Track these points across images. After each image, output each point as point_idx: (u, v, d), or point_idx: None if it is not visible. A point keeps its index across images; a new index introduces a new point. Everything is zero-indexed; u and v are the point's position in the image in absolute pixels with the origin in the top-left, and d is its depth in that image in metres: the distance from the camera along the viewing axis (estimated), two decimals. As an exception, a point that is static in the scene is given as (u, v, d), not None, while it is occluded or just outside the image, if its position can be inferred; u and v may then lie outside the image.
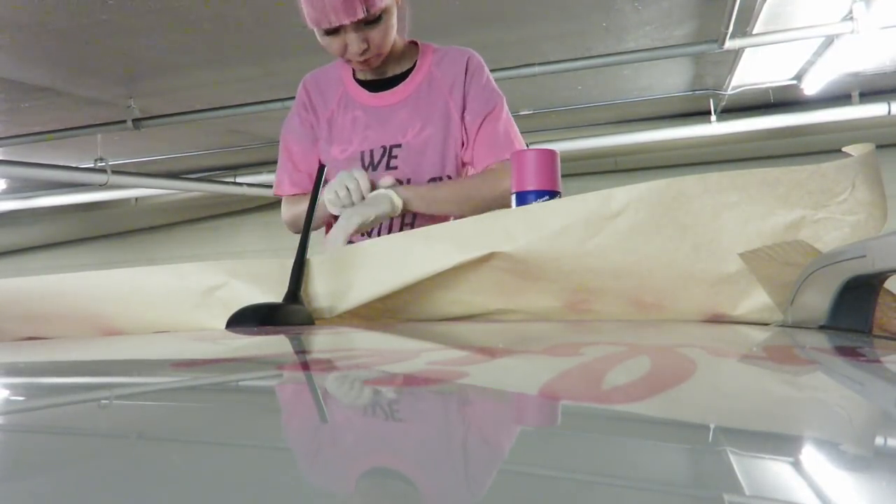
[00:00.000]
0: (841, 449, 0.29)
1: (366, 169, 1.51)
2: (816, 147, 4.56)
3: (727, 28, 3.07)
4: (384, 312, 0.94)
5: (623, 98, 4.66)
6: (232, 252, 6.56)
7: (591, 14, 3.25)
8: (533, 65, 3.67)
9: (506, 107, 1.54)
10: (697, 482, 0.25)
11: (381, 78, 1.53)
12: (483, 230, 0.86)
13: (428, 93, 1.51)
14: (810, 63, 3.90)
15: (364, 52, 1.38)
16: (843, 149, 0.78)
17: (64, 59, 3.47)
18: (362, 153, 1.52)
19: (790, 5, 3.11)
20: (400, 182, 1.49)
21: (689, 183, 0.77)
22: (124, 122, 4.31)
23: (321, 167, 1.17)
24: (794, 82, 4.25)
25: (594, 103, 4.73)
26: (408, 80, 1.52)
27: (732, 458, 0.27)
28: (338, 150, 1.55)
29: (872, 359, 0.52)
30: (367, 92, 1.54)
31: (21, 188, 6.21)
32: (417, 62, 1.53)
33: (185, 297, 0.96)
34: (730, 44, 3.23)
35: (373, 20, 1.35)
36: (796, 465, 0.27)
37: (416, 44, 1.57)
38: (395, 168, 1.50)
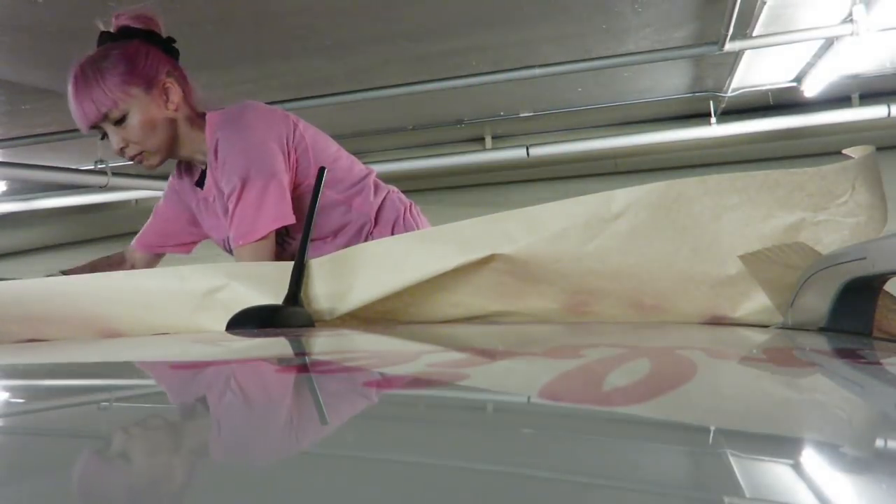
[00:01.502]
0: (841, 451, 0.29)
1: (228, 252, 1.52)
2: (816, 149, 4.56)
3: (727, 30, 3.06)
4: (384, 314, 0.94)
5: (623, 100, 4.65)
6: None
7: (591, 16, 3.24)
8: (533, 67, 3.66)
9: (238, 184, 1.40)
10: (698, 484, 0.25)
11: (202, 171, 1.53)
12: (483, 232, 0.86)
13: (217, 194, 1.48)
14: (810, 65, 3.90)
15: (123, 150, 1.41)
16: (843, 151, 0.78)
17: (64, 61, 3.46)
18: (224, 241, 1.54)
19: (790, 7, 3.11)
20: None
21: (690, 185, 0.77)
22: (124, 123, 4.31)
23: (321, 170, 1.18)
24: (794, 84, 4.25)
25: (594, 105, 4.73)
26: (207, 179, 1.50)
27: (732, 461, 0.27)
28: (212, 235, 1.61)
29: (872, 361, 0.52)
30: (188, 186, 1.59)
31: (21, 190, 6.20)
32: (209, 158, 1.47)
33: (186, 299, 0.96)
34: (730, 46, 3.22)
35: (118, 120, 1.38)
36: (796, 467, 0.27)
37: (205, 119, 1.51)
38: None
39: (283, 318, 0.86)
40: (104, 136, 1.43)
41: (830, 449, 0.29)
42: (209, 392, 0.45)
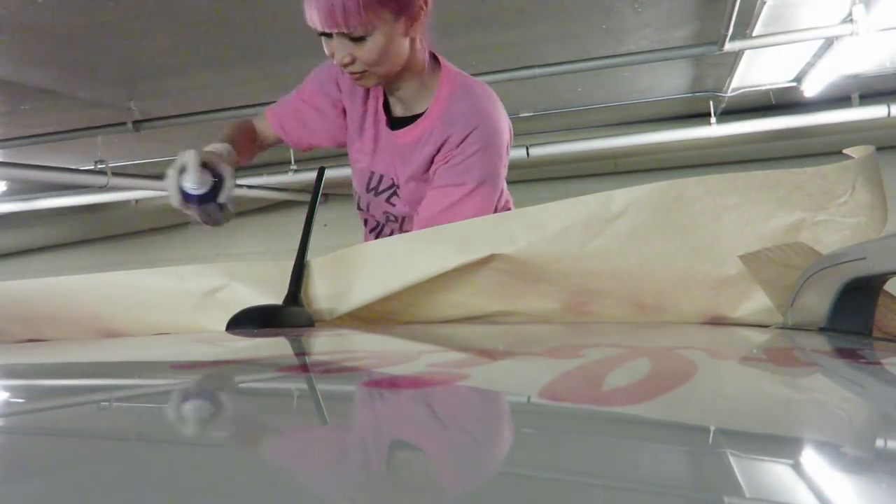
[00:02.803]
0: (841, 451, 0.29)
1: (369, 191, 1.48)
2: (816, 149, 4.56)
3: (727, 30, 3.07)
4: (384, 314, 0.94)
5: (623, 100, 4.66)
6: (232, 254, 6.56)
7: (591, 16, 3.25)
8: (533, 66, 3.67)
9: (473, 186, 1.36)
10: (698, 484, 0.25)
11: (403, 115, 1.44)
12: (483, 232, 0.86)
13: (424, 146, 1.41)
14: (810, 65, 3.90)
15: (346, 65, 1.32)
16: (844, 151, 0.78)
17: (64, 61, 3.47)
18: (372, 173, 1.47)
19: (790, 7, 3.11)
20: (395, 217, 1.48)
21: (690, 185, 0.77)
22: (124, 123, 4.31)
23: (321, 169, 1.18)
24: (794, 84, 4.25)
25: (594, 105, 4.73)
26: (412, 126, 1.42)
27: (732, 460, 0.27)
28: (355, 157, 1.50)
29: (872, 361, 0.52)
30: (384, 119, 1.47)
31: (21, 190, 6.21)
32: (430, 107, 1.41)
33: (186, 299, 0.96)
34: (730, 46, 3.23)
35: (357, 38, 1.28)
36: (796, 467, 0.27)
37: (440, 65, 1.44)
38: (394, 205, 1.46)
39: (283, 318, 0.86)
40: (326, 36, 1.30)
41: (830, 449, 0.29)
42: (214, 393, 0.45)
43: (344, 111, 1.50)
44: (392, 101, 1.45)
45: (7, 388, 0.50)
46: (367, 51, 1.29)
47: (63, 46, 3.29)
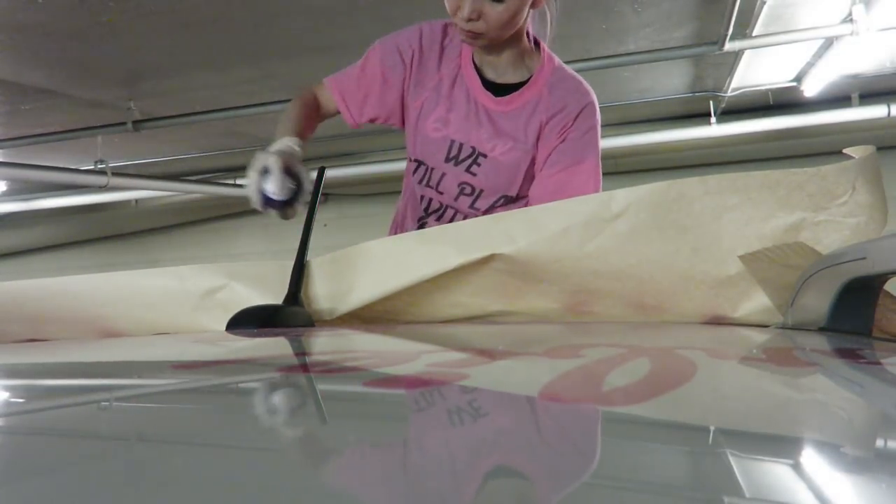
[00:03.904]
0: (841, 451, 0.29)
1: (448, 161, 1.42)
2: (816, 149, 4.55)
3: (727, 30, 3.07)
4: (384, 314, 0.94)
5: (623, 100, 4.65)
6: (232, 254, 6.56)
7: (591, 16, 3.25)
8: (533, 67, 3.67)
9: (594, 163, 1.39)
10: (698, 484, 0.25)
11: (495, 80, 1.41)
12: (483, 232, 0.86)
13: (530, 115, 1.39)
14: (810, 65, 3.90)
15: (470, 20, 1.26)
16: (844, 151, 0.78)
17: (64, 61, 3.47)
18: (452, 141, 1.41)
19: (790, 7, 3.11)
20: (473, 189, 1.42)
21: (690, 185, 0.77)
22: (124, 123, 4.31)
23: (321, 169, 1.18)
24: (794, 84, 4.25)
25: (594, 105, 4.73)
26: (517, 93, 1.40)
27: (732, 460, 0.27)
28: (431, 126, 1.42)
29: (872, 361, 0.52)
30: (478, 83, 1.41)
31: (21, 190, 6.21)
32: (533, 77, 1.40)
33: (185, 299, 0.96)
34: (730, 46, 3.23)
35: None
36: (796, 467, 0.27)
37: (540, 47, 1.44)
38: (475, 175, 1.41)
39: (283, 317, 0.86)
40: None
41: (830, 449, 0.29)
42: (210, 393, 0.45)
43: (404, 88, 1.44)
44: (485, 68, 1.41)
45: (7, 388, 0.50)
46: (498, 12, 1.26)
47: (63, 46, 3.29)
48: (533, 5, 1.31)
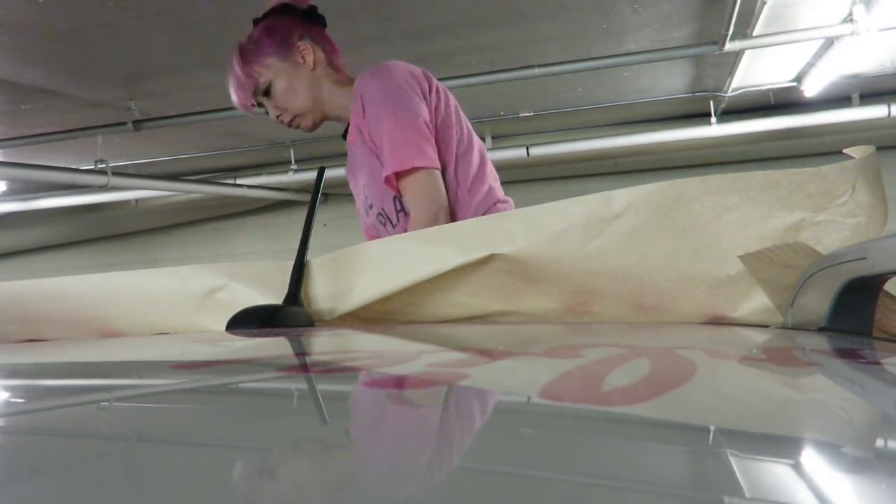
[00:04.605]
0: (841, 451, 0.29)
1: (362, 211, 1.57)
2: (817, 149, 4.56)
3: (727, 30, 3.07)
4: (384, 314, 0.94)
5: (623, 100, 4.65)
6: (232, 254, 6.56)
7: (591, 16, 3.24)
8: (533, 66, 3.66)
9: (390, 115, 1.40)
10: (698, 484, 0.25)
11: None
12: (483, 232, 0.86)
13: (357, 132, 1.48)
14: (810, 65, 3.90)
15: (279, 117, 1.49)
16: (844, 150, 0.78)
17: (64, 61, 3.47)
18: (362, 194, 1.56)
19: (790, 7, 3.11)
20: (371, 204, 1.52)
21: (690, 185, 0.77)
22: (124, 123, 4.30)
23: (321, 169, 1.18)
24: (795, 84, 4.25)
25: (594, 105, 4.73)
26: (348, 137, 1.55)
27: (732, 461, 0.27)
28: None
29: (872, 361, 0.52)
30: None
31: (21, 190, 6.21)
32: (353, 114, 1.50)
33: (186, 299, 0.96)
34: (730, 46, 3.23)
35: (265, 93, 1.46)
36: (796, 467, 0.27)
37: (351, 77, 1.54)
38: (371, 206, 1.52)
39: (283, 317, 0.86)
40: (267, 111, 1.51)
41: (830, 449, 0.29)
42: (210, 393, 0.45)
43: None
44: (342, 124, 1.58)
45: (7, 388, 0.50)
46: (277, 96, 1.47)
47: (63, 46, 3.29)
48: (296, 58, 1.48)
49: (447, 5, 3.08)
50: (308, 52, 1.49)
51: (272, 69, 1.46)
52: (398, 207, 1.46)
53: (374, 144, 1.44)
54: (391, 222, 1.49)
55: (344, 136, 1.59)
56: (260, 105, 1.51)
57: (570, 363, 0.46)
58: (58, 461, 0.27)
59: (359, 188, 1.56)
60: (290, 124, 1.51)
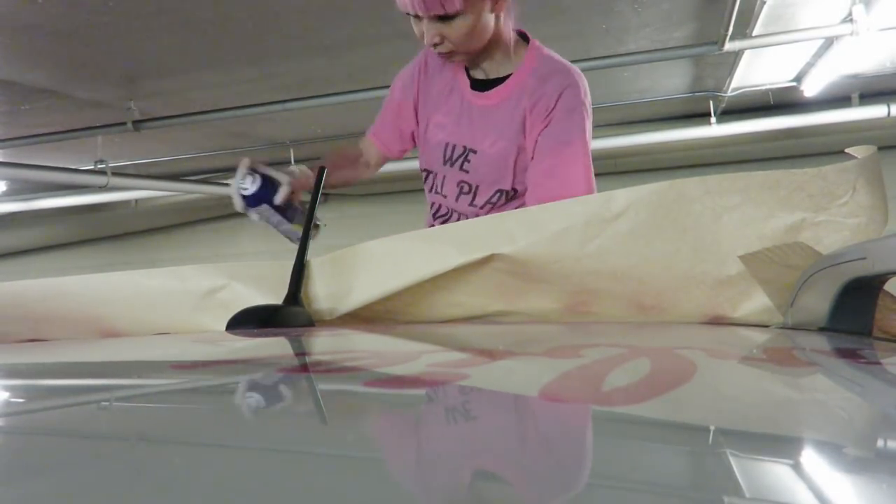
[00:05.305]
0: (841, 451, 0.29)
1: (445, 163, 1.50)
2: (817, 149, 4.56)
3: (727, 30, 3.07)
4: (384, 314, 0.94)
5: (623, 100, 4.66)
6: (232, 254, 6.56)
7: (591, 16, 3.25)
8: (533, 67, 3.67)
9: (581, 144, 1.40)
10: (698, 484, 0.25)
11: (485, 78, 1.48)
12: (483, 232, 0.86)
13: (514, 105, 1.43)
14: (810, 65, 3.91)
15: (436, 45, 1.36)
16: (845, 150, 0.78)
17: (64, 61, 3.47)
18: (447, 144, 1.49)
19: (790, 7, 3.12)
20: (469, 186, 1.48)
21: (690, 185, 0.77)
22: (124, 123, 4.31)
23: (321, 169, 1.18)
24: (794, 84, 4.26)
25: (594, 105, 4.73)
26: (501, 86, 1.45)
27: (732, 461, 0.27)
28: (432, 133, 1.53)
29: (872, 361, 0.52)
30: (469, 85, 1.49)
31: (21, 190, 6.21)
32: (517, 69, 1.45)
33: (186, 299, 0.96)
34: (729, 46, 3.23)
35: (448, 17, 1.32)
36: (796, 467, 0.27)
37: (529, 39, 1.49)
38: (468, 172, 1.47)
39: (283, 317, 0.86)
40: (416, 19, 1.35)
41: (831, 449, 0.29)
42: (210, 393, 0.45)
43: (416, 108, 1.55)
44: (475, 71, 1.49)
45: (7, 388, 0.50)
46: (456, 30, 1.34)
47: (63, 46, 3.29)
48: (493, 10, 1.37)
49: (447, 5, 3.07)
50: (507, 2, 1.40)
51: (473, 5, 1.33)
52: (507, 197, 1.45)
53: (529, 141, 1.40)
54: (472, 204, 1.48)
55: (475, 85, 1.48)
56: (416, 17, 1.35)
57: (570, 363, 0.46)
58: (58, 461, 0.27)
59: (458, 142, 1.48)
60: (440, 53, 1.39)
